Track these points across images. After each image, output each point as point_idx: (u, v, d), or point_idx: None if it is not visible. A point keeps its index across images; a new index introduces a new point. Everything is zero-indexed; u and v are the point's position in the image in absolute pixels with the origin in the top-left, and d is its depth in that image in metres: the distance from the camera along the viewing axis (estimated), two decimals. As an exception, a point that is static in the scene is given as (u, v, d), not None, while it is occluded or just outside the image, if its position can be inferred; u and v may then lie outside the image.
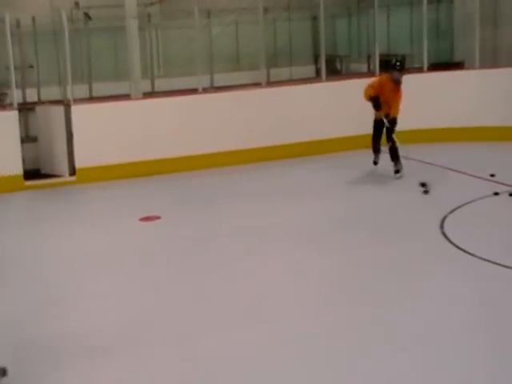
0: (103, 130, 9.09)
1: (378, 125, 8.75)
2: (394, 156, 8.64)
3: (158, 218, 7.30)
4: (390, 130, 8.57)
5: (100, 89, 10.70)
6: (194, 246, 6.38)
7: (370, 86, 8.65)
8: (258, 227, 6.84)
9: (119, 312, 4.94)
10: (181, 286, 5.44)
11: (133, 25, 9.56)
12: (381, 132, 8.76)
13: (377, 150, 8.88)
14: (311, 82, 11.11)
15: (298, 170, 9.26)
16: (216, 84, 11.48)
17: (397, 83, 8.57)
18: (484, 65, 10.73)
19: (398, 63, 8.71)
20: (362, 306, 4.84)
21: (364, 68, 13.29)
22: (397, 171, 8.60)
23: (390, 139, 8.64)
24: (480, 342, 4.25)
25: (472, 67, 10.82)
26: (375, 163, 8.95)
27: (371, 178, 8.74)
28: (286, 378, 3.91)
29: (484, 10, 10.85)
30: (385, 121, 8.56)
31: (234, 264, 5.87)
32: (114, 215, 7.61)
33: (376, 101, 8.55)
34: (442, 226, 6.43)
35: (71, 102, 9.17)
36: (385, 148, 8.75)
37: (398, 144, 8.53)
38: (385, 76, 8.86)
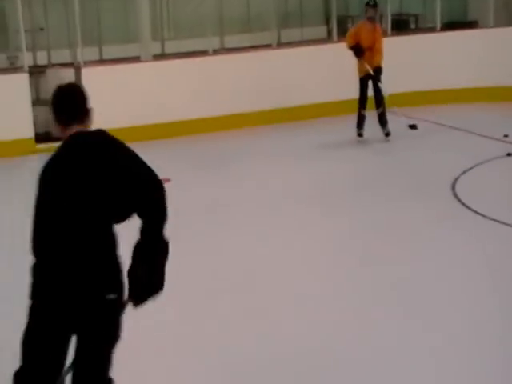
0: (114, 93, 9.04)
1: (363, 83, 8.52)
2: (383, 120, 8.52)
3: (168, 180, 7.34)
4: (377, 79, 8.37)
5: (110, 51, 10.61)
6: (205, 209, 6.43)
7: (348, 35, 8.57)
8: (270, 189, 6.88)
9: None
10: (196, 243, 5.49)
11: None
12: (366, 92, 8.54)
13: (362, 119, 8.58)
14: (322, 43, 10.99)
15: (309, 132, 9.21)
16: (226, 46, 11.37)
17: (372, 21, 8.48)
18: (498, 23, 10.55)
19: (371, 0, 8.59)
20: (366, 266, 4.88)
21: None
22: (387, 134, 8.51)
23: (379, 103, 8.45)
24: (483, 300, 4.29)
25: (486, 26, 10.65)
26: (360, 135, 8.64)
27: (378, 140, 8.64)
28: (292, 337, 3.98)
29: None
30: (370, 70, 8.35)
31: (244, 225, 5.92)
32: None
33: (356, 48, 8.37)
34: (453, 187, 6.43)
35: (81, 64, 9.14)
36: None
37: (385, 107, 8.42)
38: (359, 22, 8.76)
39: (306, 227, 5.79)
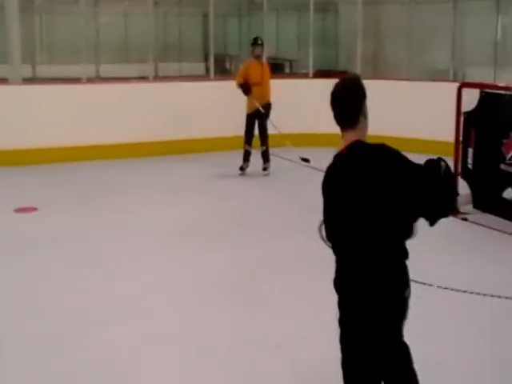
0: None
1: (250, 119, 8.80)
2: (266, 157, 8.91)
3: (35, 209, 7.04)
4: (266, 117, 8.70)
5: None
6: (67, 240, 6.20)
7: (238, 74, 8.88)
8: (136, 221, 6.76)
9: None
10: (49, 281, 5.25)
11: (13, 5, 9.09)
12: (253, 129, 8.85)
13: (247, 154, 8.86)
14: (199, 80, 11.11)
15: (181, 166, 9.24)
16: (102, 75, 11.19)
17: (259, 58, 8.84)
18: (365, 75, 11.17)
19: (257, 38, 8.98)
20: (237, 305, 4.89)
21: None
22: (265, 168, 8.92)
23: (264, 141, 8.80)
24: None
25: (354, 76, 11.23)
26: (242, 169, 8.90)
27: (253, 178, 8.86)
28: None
29: (367, 22, 11.32)
30: (260, 108, 8.64)
31: (108, 260, 5.75)
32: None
33: (244, 86, 8.66)
34: (321, 229, 6.63)
35: None
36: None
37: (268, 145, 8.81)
38: (246, 60, 9.08)
39: (175, 263, 5.71)
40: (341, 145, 2.84)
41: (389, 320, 2.82)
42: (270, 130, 8.86)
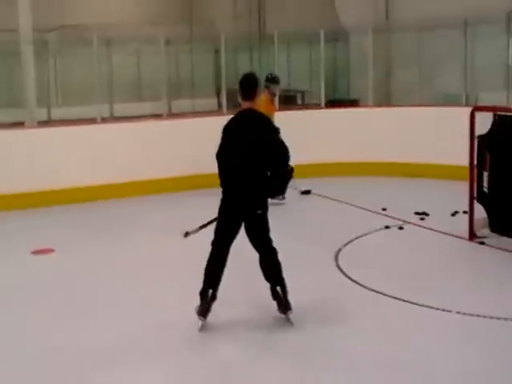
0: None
1: None
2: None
3: (52, 250, 7.09)
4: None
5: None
6: (85, 280, 6.21)
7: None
8: (155, 260, 6.76)
9: None
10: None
11: (28, 51, 9.30)
12: None
13: None
14: (213, 115, 11.19)
15: (201, 201, 9.20)
16: (116, 114, 11.34)
17: (274, 96, 8.86)
18: (377, 103, 11.22)
19: (274, 76, 9.00)
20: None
21: (265, 102, 13.55)
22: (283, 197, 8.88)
23: None
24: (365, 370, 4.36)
25: (366, 105, 11.30)
26: None
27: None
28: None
29: (377, 51, 11.38)
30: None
31: (125, 299, 5.75)
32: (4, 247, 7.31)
33: None
34: (336, 259, 6.59)
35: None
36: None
37: None
38: (264, 98, 8.79)
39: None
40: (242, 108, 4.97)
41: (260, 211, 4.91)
42: None
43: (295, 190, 8.95)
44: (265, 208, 4.94)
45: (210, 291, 4.91)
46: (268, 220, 4.98)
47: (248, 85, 4.99)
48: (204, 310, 4.90)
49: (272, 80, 8.96)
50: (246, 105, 4.95)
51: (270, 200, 8.86)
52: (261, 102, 8.88)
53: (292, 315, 5.02)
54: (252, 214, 4.90)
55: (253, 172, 4.85)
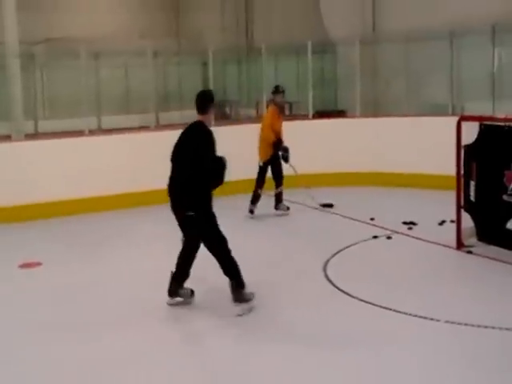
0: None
1: (266, 167, 8.88)
2: (281, 199, 8.99)
3: (39, 264, 7.04)
4: (287, 159, 8.80)
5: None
6: (72, 294, 6.17)
7: (268, 133, 8.71)
8: (143, 273, 6.73)
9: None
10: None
11: (15, 64, 9.28)
12: (266, 176, 8.92)
13: (257, 198, 8.89)
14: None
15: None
16: (104, 127, 11.32)
17: (282, 108, 8.91)
18: (365, 114, 11.27)
19: (276, 86, 9.00)
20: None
21: (253, 113, 13.61)
22: (288, 208, 8.97)
23: (279, 184, 8.91)
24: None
25: (353, 116, 11.34)
26: (252, 212, 8.90)
27: (255, 221, 8.85)
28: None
29: (364, 63, 11.44)
30: (280, 153, 8.76)
31: (112, 314, 5.71)
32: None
33: (278, 145, 8.75)
34: (324, 269, 6.59)
35: None
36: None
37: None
38: (271, 110, 8.93)
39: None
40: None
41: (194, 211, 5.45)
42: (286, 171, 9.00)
43: (312, 200, 8.90)
44: (197, 210, 5.41)
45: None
46: (210, 220, 5.45)
47: (199, 100, 5.58)
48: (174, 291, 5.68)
49: (274, 90, 8.95)
50: (198, 117, 5.56)
51: (275, 211, 8.91)
52: (267, 116, 8.96)
53: (242, 309, 5.43)
54: (183, 215, 5.47)
55: (183, 178, 5.41)
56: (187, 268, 5.68)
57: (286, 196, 9.11)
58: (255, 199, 8.90)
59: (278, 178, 8.96)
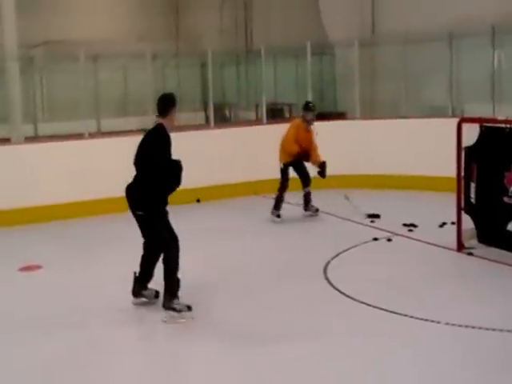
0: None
1: (286, 169, 8.81)
2: (309, 200, 8.94)
3: (40, 267, 7.03)
4: (323, 174, 8.82)
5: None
6: (72, 297, 6.15)
7: (291, 144, 8.68)
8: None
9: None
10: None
11: (13, 67, 9.27)
12: (288, 177, 8.85)
13: (280, 202, 8.80)
14: (200, 129, 11.18)
15: (190, 214, 9.20)
16: (103, 129, 11.31)
17: (310, 124, 8.83)
18: (364, 116, 11.26)
19: (310, 104, 8.98)
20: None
21: (252, 116, 13.61)
22: (316, 210, 8.94)
23: (307, 185, 8.87)
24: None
25: (353, 117, 11.33)
26: (279, 216, 8.80)
27: (259, 222, 8.82)
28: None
29: (363, 64, 11.43)
30: (318, 169, 8.81)
31: (113, 315, 5.70)
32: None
33: (301, 156, 8.73)
34: (325, 271, 6.58)
35: None
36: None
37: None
38: (296, 122, 8.91)
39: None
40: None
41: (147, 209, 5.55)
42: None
43: (355, 209, 8.80)
44: (147, 210, 5.50)
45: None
46: (159, 221, 5.52)
47: (161, 103, 5.61)
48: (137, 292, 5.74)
49: (305, 107, 8.94)
50: (158, 120, 5.59)
51: (304, 212, 8.55)
52: (291, 127, 8.90)
53: (169, 315, 5.37)
54: (134, 213, 5.56)
55: (137, 178, 5.55)
56: (150, 268, 5.70)
57: (296, 199, 9.06)
58: (278, 203, 8.81)
59: (305, 178, 8.90)
